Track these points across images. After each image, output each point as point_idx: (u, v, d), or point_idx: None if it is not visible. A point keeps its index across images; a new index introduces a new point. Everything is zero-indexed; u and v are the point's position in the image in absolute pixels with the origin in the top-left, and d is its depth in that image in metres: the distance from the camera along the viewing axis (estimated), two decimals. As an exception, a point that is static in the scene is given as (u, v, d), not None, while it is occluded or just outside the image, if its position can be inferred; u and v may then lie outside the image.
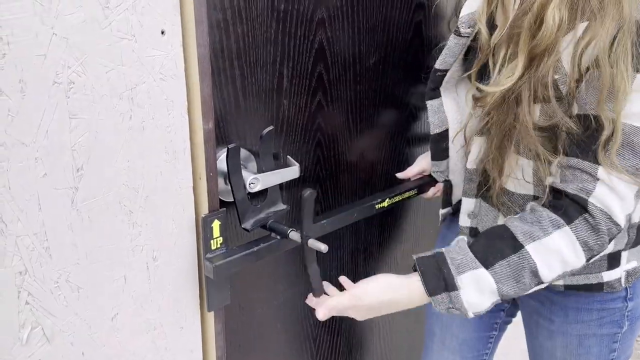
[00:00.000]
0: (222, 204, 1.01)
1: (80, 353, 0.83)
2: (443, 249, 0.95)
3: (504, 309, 1.36)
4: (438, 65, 1.04)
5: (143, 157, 0.83)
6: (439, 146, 1.12)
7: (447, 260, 0.93)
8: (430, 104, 1.08)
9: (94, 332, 0.84)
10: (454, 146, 1.10)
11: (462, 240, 0.96)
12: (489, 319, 1.35)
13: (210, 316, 0.97)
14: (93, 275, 0.82)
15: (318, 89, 1.12)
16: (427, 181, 1.26)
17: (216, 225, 0.93)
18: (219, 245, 0.94)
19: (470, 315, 0.92)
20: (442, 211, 1.24)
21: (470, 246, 0.94)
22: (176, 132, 0.85)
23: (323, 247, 0.92)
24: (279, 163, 1.10)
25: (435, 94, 1.08)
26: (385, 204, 1.18)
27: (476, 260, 0.91)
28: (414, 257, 0.96)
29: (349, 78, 1.17)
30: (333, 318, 0.96)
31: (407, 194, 1.22)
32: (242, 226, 0.98)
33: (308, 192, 0.91)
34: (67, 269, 0.78)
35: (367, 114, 1.23)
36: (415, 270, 0.95)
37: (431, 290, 0.92)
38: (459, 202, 1.19)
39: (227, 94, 0.98)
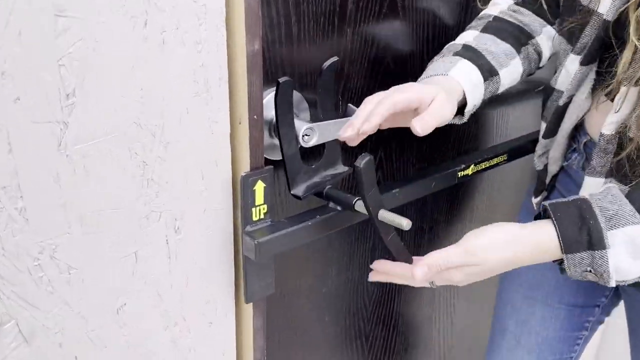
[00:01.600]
0: (267, 162, 0.77)
1: (72, 357, 0.60)
2: (586, 195, 0.71)
3: (600, 305, 1.10)
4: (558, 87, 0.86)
5: (163, 85, 0.58)
6: (559, 117, 0.86)
7: (594, 209, 0.69)
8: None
9: (92, 328, 0.61)
10: (575, 111, 0.84)
11: (614, 187, 0.72)
12: (579, 316, 1.10)
13: (248, 309, 0.73)
14: (90, 251, 0.58)
15: (391, 14, 0.85)
16: (522, 143, 0.99)
17: (260, 188, 0.68)
18: (262, 216, 0.69)
19: (612, 284, 0.70)
20: (535, 200, 0.99)
21: (628, 195, 0.70)
22: (209, 52, 0.60)
23: (405, 223, 0.67)
24: (337, 113, 0.85)
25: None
26: (469, 171, 0.92)
27: (637, 213, 0.67)
28: (545, 203, 0.72)
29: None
30: (388, 311, 0.71)
31: (495, 160, 0.96)
32: (292, 192, 0.73)
33: (366, 160, 0.66)
34: (53, 240, 0.55)
35: (442, 40, 0.96)
36: (543, 218, 0.72)
37: (568, 246, 0.68)
38: (552, 178, 0.94)
39: (276, 13, 0.73)
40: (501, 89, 0.84)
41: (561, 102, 0.83)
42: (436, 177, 0.87)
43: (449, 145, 1.06)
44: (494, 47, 0.82)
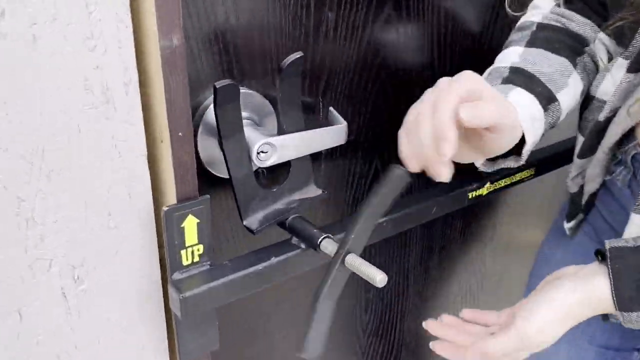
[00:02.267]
0: (214, 181, 0.61)
1: None
2: None
3: (641, 349, 0.92)
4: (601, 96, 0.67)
5: (37, 97, 0.43)
6: (599, 133, 0.66)
7: None
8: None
9: (-40, 408, 0.47)
10: (619, 126, 0.64)
11: None
12: (613, 360, 0.92)
13: (187, 369, 0.59)
14: (-55, 315, 0.44)
15: (386, -3, 0.67)
16: (555, 153, 0.80)
17: (191, 224, 0.52)
18: (197, 259, 0.54)
19: None
20: (568, 225, 0.80)
21: None
22: (107, 49, 0.44)
23: (379, 278, 0.50)
24: (316, 119, 0.68)
25: None
26: (483, 190, 0.74)
27: None
28: (607, 243, 0.59)
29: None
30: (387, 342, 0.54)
31: (518, 176, 0.78)
32: (245, 223, 0.57)
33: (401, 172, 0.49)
34: None
35: (463, 46, 0.78)
36: (599, 260, 0.61)
37: (624, 305, 0.58)
38: (591, 196, 0.75)
39: (224, -8, 0.56)
40: (563, 116, 0.64)
41: (602, 117, 0.64)
42: (439, 200, 0.69)
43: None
44: (546, 66, 0.63)
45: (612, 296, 0.58)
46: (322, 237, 0.56)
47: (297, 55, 0.55)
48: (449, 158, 0.46)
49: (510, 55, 0.66)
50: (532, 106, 0.60)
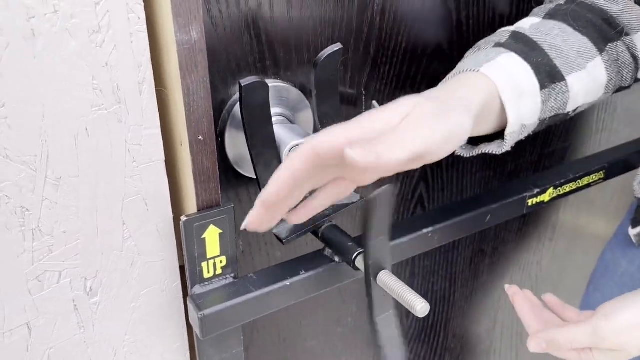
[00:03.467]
0: (242, 181, 0.56)
1: None
2: None
3: None
4: None
5: (40, 98, 0.38)
6: None
7: None
8: None
9: (-32, 422, 0.45)
10: None
11: None
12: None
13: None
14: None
15: (441, -24, 0.59)
16: (622, 155, 0.71)
17: (213, 235, 0.47)
18: (219, 271, 0.49)
19: None
20: (634, 231, 0.71)
21: None
22: (117, 45, 0.39)
23: (420, 307, 0.44)
24: (358, 113, 0.62)
25: None
26: (545, 196, 0.66)
27: None
28: None
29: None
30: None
31: (586, 180, 0.69)
32: (274, 232, 0.52)
33: (381, 191, 0.43)
34: None
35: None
36: None
37: None
38: None
39: (258, -24, 0.50)
40: (572, 105, 0.52)
41: None
42: (493, 208, 0.62)
43: (520, 160, 0.79)
44: (561, 40, 0.51)
45: None
46: (357, 252, 0.50)
47: (335, 47, 0.49)
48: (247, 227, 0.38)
49: (521, 24, 0.54)
50: (520, 76, 0.47)
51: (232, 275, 0.50)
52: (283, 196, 0.37)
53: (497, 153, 0.49)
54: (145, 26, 0.40)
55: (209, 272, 0.49)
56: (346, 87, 0.61)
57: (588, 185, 0.69)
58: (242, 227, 0.39)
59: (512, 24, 0.55)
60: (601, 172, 0.70)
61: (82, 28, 0.38)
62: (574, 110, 0.53)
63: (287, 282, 0.50)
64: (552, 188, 0.65)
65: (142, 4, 0.39)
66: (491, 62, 0.47)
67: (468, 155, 0.52)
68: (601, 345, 0.53)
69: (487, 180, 0.78)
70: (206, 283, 0.49)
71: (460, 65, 0.50)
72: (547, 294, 0.63)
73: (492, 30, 0.63)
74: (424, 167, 0.71)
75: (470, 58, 0.50)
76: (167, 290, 0.49)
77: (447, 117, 0.38)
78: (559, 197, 0.67)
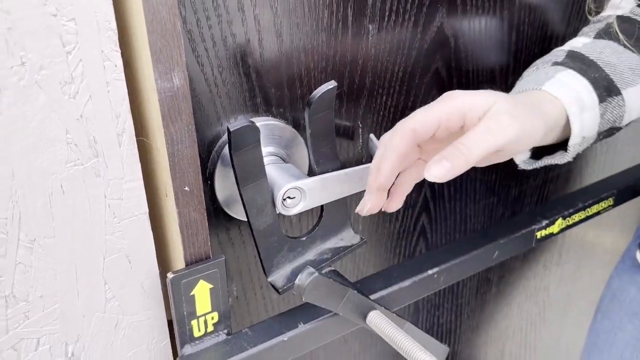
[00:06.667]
0: (233, 223, 0.53)
1: None
2: None
3: None
4: None
5: (8, 155, 0.35)
6: None
7: None
8: None
9: None
10: None
11: None
12: None
13: None
14: None
15: (440, 3, 0.57)
16: (630, 180, 0.68)
17: (203, 291, 0.44)
18: (211, 328, 0.46)
19: None
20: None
21: None
22: (92, 95, 0.36)
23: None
24: (354, 146, 0.59)
25: None
26: (554, 228, 0.62)
27: None
28: None
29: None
30: None
31: (595, 208, 0.66)
32: (269, 280, 0.49)
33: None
34: None
35: (529, 54, 0.66)
36: None
37: None
38: None
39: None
40: (627, 119, 0.53)
41: None
42: (501, 243, 0.59)
43: (524, 186, 0.76)
44: (614, 57, 0.52)
45: None
46: (370, 310, 0.47)
47: (330, 85, 0.46)
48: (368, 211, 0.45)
49: (572, 43, 0.55)
50: (582, 91, 0.49)
51: (225, 331, 0.47)
52: (393, 176, 0.43)
53: (560, 163, 0.51)
54: (122, 74, 0.37)
55: (199, 330, 0.45)
56: (342, 120, 0.58)
57: (597, 213, 0.66)
58: (357, 211, 0.45)
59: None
60: (610, 198, 0.67)
61: (52, 79, 0.35)
62: (627, 125, 0.55)
63: (284, 337, 0.47)
64: (560, 219, 0.62)
65: (119, 51, 0.36)
66: (552, 80, 0.49)
67: (530, 168, 0.53)
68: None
69: (490, 208, 0.75)
70: (197, 342, 0.45)
71: (521, 84, 0.52)
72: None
73: (498, 54, 0.60)
74: (425, 197, 0.68)
75: (531, 77, 0.52)
76: (155, 350, 0.46)
77: (525, 118, 0.42)
78: (568, 227, 0.64)
